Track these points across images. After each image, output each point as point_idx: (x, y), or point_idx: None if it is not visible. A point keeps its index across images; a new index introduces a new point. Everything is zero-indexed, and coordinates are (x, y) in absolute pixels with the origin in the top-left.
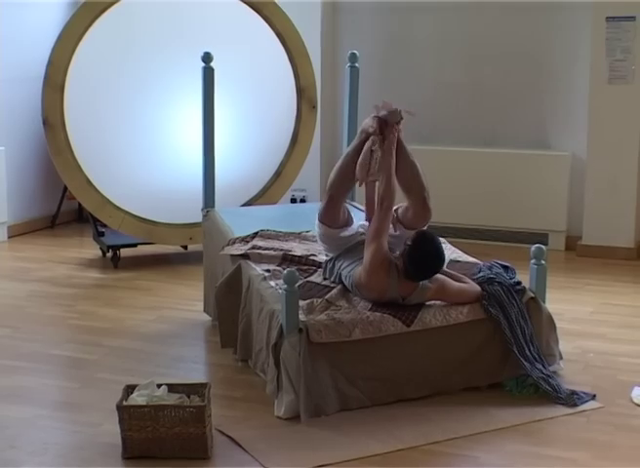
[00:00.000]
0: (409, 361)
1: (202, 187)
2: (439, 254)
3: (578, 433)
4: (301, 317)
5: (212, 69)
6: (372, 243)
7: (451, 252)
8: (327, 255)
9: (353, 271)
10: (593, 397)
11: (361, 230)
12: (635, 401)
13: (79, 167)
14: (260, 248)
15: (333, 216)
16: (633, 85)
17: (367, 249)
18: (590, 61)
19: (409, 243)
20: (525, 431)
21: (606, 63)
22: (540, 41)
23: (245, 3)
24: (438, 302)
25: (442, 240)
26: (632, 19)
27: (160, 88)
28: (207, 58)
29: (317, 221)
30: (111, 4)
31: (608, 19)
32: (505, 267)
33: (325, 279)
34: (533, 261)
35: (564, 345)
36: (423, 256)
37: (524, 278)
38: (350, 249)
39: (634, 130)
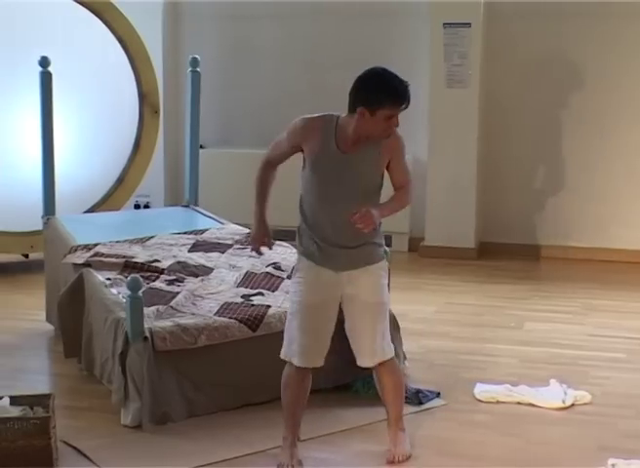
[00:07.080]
0: (255, 366)
1: (42, 194)
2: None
3: (423, 431)
4: (147, 324)
5: (49, 74)
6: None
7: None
8: None
9: None
10: (438, 395)
11: None
12: (478, 397)
13: None
14: (102, 255)
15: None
16: (470, 89)
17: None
18: (430, 66)
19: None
20: (371, 431)
21: (444, 68)
22: (380, 46)
23: (84, 7)
24: (284, 305)
25: None
26: (468, 25)
27: None
28: (44, 62)
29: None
30: None
31: (445, 25)
32: None
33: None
34: None
35: (409, 345)
36: (381, 76)
37: None
38: None
39: (472, 132)
